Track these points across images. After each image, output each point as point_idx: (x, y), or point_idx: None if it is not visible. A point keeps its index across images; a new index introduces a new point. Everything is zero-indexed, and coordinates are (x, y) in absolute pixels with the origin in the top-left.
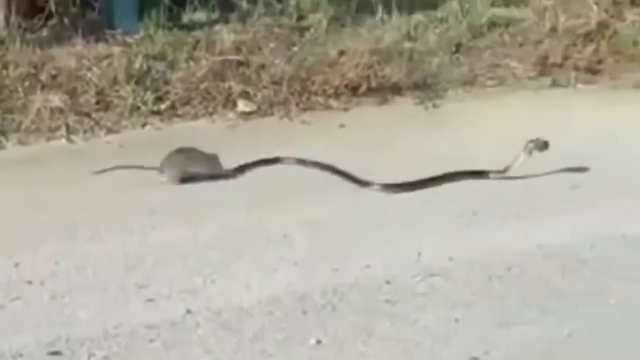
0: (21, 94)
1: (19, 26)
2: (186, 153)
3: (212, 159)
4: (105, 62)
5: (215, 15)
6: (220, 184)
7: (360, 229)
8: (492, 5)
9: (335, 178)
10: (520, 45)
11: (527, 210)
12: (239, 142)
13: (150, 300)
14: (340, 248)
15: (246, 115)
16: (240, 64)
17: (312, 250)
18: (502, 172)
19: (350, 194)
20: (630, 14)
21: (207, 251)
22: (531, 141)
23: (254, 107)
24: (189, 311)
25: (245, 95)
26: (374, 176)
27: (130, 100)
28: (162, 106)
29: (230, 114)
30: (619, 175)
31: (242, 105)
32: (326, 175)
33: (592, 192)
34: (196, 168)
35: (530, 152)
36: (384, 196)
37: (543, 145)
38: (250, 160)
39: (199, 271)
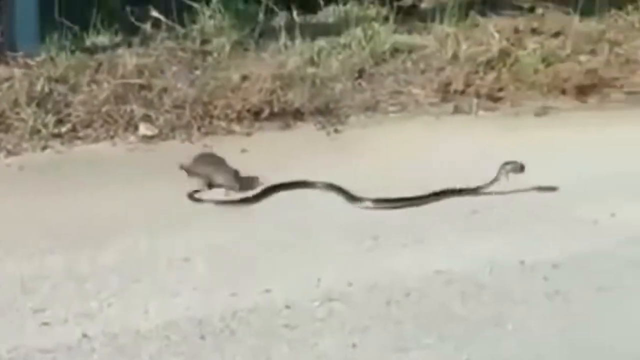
0: None
1: None
2: (213, 164)
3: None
4: (6, 85)
5: (118, 39)
6: (124, 206)
7: (261, 254)
8: (395, 32)
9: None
10: (423, 72)
11: (428, 235)
12: (139, 165)
13: (45, 324)
14: (240, 272)
15: (148, 138)
16: (142, 87)
17: (212, 275)
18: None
19: (251, 219)
20: (531, 42)
21: (105, 275)
22: (507, 163)
23: (156, 131)
24: (85, 335)
25: (147, 118)
26: (275, 200)
27: (30, 123)
28: (63, 129)
29: (132, 137)
30: (518, 201)
31: (143, 129)
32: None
33: (492, 217)
34: (220, 180)
35: (506, 175)
36: (281, 220)
37: (519, 169)
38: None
39: (96, 295)
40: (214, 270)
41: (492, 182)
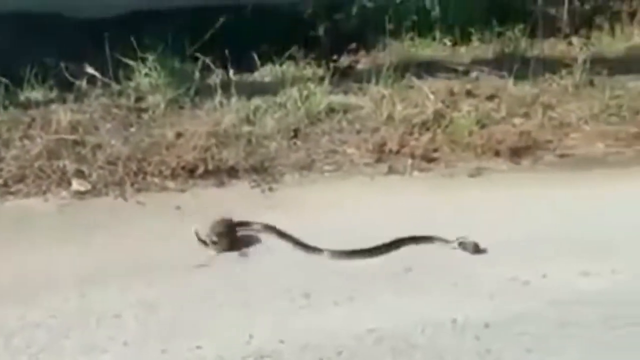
0: None
1: None
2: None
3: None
4: None
5: (52, 95)
6: (54, 262)
7: (193, 310)
8: (331, 92)
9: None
10: (358, 132)
11: (360, 293)
12: (71, 221)
13: None
14: (171, 328)
15: (81, 194)
16: (76, 143)
17: (143, 331)
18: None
19: (184, 274)
20: (466, 105)
21: (34, 331)
22: (460, 243)
23: (89, 187)
24: None
25: (80, 174)
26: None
27: None
28: None
29: (64, 193)
30: (451, 260)
31: (76, 185)
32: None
33: (425, 276)
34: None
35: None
36: (217, 276)
37: (472, 248)
38: None
39: (24, 350)
40: (145, 326)
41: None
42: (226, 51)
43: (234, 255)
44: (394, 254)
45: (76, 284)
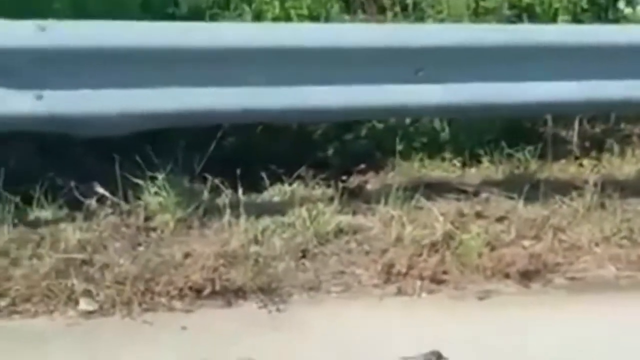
0: None
1: None
2: None
3: None
4: None
5: (62, 213)
6: None
7: None
8: (340, 212)
9: None
10: (367, 253)
11: None
12: (77, 341)
13: None
14: None
15: (88, 314)
16: (84, 262)
17: None
18: None
19: None
20: (475, 226)
21: None
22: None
23: (96, 306)
24: None
25: (87, 293)
26: None
27: None
28: (2, 303)
29: (71, 312)
30: None
31: (84, 304)
32: None
33: None
34: None
35: None
36: None
37: None
38: None
39: None
40: None
41: None
42: (237, 171)
43: None
44: None
45: None
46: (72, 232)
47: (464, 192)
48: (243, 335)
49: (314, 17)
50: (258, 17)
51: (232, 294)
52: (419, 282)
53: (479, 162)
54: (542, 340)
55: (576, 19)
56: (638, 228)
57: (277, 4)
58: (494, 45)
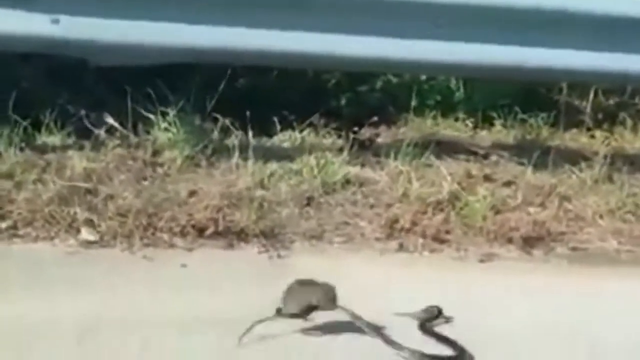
0: None
1: None
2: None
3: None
4: None
5: (70, 141)
6: (54, 306)
7: None
8: (348, 164)
9: None
10: (372, 206)
11: None
12: (76, 269)
13: None
14: None
15: (88, 243)
16: (88, 191)
17: None
18: None
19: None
20: (482, 189)
21: None
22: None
23: (97, 237)
24: None
25: (89, 223)
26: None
27: None
28: (4, 225)
29: (72, 241)
30: None
31: (85, 233)
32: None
33: None
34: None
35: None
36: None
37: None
38: None
39: None
40: None
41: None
42: (247, 113)
43: None
44: None
45: (73, 333)
46: (78, 161)
47: (474, 153)
48: (240, 278)
49: None
50: None
51: (234, 236)
52: (421, 240)
53: (492, 124)
54: (539, 307)
55: None
56: None
57: None
58: (520, 8)
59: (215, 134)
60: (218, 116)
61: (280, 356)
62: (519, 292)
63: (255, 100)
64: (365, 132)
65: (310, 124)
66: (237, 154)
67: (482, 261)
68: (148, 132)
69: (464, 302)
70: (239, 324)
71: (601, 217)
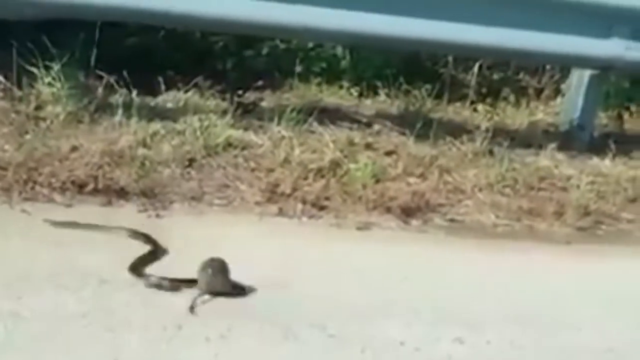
0: None
1: None
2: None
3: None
4: None
5: None
6: None
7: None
8: (232, 127)
9: None
10: (253, 170)
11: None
12: None
13: None
14: (39, 343)
15: None
16: None
17: (10, 341)
18: None
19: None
20: (364, 157)
21: None
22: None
23: None
24: None
25: None
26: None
27: None
28: None
29: None
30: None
31: None
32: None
33: None
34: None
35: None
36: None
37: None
38: None
39: None
40: (12, 337)
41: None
42: (126, 72)
43: None
44: None
45: None
46: None
47: (357, 122)
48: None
49: None
50: None
51: (114, 194)
52: (300, 205)
53: (376, 94)
54: (415, 278)
55: None
56: (522, 179)
57: None
58: None
59: (99, 91)
60: (103, 73)
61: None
62: (394, 262)
63: (140, 59)
64: (250, 96)
65: (195, 85)
66: (120, 111)
67: (360, 229)
68: (32, 86)
69: (334, 269)
70: (114, 281)
71: (480, 190)
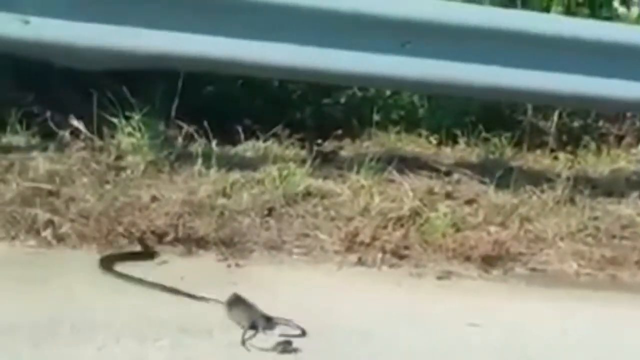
0: None
1: None
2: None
3: None
4: None
5: (34, 141)
6: (11, 307)
7: None
8: (311, 176)
9: None
10: (332, 219)
11: None
12: (34, 270)
13: None
14: None
15: (48, 245)
16: (50, 193)
17: None
18: None
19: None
20: (443, 206)
21: None
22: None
23: (57, 239)
24: None
25: (50, 224)
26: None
27: None
28: None
29: (32, 242)
30: None
31: (45, 235)
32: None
33: None
34: None
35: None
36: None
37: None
38: None
39: None
40: None
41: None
42: (211, 121)
43: None
44: None
45: (29, 335)
46: (42, 162)
47: (437, 170)
48: (199, 285)
49: None
50: None
51: (193, 243)
52: (380, 255)
53: (455, 142)
54: (494, 328)
55: (570, 12)
56: (605, 227)
57: None
58: (483, 27)
59: (179, 141)
60: (182, 123)
61: None
62: (474, 311)
63: (219, 108)
64: (329, 145)
65: (274, 135)
66: (200, 161)
67: (440, 278)
68: (112, 137)
69: (417, 319)
70: (198, 332)
71: (561, 239)
